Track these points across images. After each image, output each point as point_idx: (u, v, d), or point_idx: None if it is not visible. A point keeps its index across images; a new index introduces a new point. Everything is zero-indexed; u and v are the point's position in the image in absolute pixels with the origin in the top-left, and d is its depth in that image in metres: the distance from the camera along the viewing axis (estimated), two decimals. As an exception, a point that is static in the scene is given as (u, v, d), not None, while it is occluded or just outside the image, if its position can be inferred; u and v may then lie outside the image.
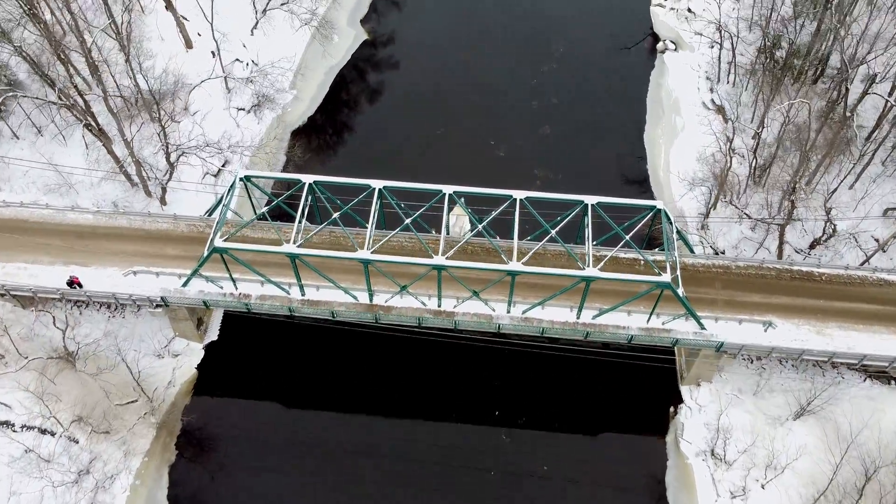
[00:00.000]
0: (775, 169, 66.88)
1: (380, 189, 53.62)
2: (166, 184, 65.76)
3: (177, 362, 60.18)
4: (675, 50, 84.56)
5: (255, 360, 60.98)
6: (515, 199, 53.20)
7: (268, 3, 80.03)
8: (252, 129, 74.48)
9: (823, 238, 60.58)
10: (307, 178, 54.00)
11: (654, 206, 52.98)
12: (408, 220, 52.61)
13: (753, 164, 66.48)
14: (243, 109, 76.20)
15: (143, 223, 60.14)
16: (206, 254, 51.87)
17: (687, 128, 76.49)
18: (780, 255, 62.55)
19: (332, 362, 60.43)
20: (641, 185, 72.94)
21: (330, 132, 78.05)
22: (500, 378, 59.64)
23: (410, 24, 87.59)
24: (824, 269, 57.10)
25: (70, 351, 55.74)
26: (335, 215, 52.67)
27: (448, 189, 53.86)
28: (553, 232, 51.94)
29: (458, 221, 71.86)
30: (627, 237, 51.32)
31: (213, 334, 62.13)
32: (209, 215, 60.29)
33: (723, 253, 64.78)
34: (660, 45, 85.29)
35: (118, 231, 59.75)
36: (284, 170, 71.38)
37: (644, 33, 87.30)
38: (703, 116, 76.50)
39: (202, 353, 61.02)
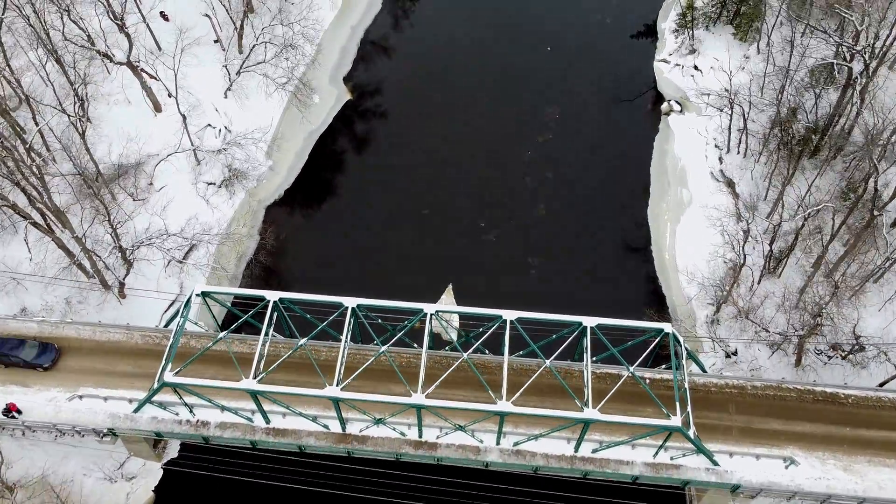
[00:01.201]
0: (795, 252, 61.37)
1: (353, 308, 47.83)
2: (124, 278, 59.92)
3: (131, 486, 54.26)
4: (681, 112, 78.58)
5: (221, 481, 54.92)
6: (506, 321, 47.34)
7: (241, 66, 74.03)
8: (222, 207, 68.53)
9: (848, 354, 54.67)
10: (272, 295, 48.16)
11: (662, 330, 47.13)
12: (383, 348, 46.81)
13: (769, 256, 60.58)
14: (213, 184, 70.27)
15: (92, 333, 54.16)
16: (155, 386, 45.99)
17: (695, 202, 70.63)
18: (798, 362, 56.72)
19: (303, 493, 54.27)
20: (645, 270, 67.05)
21: (308, 209, 72.08)
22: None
23: (397, 82, 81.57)
24: (851, 391, 51.15)
25: (9, 485, 49.83)
26: (302, 341, 46.81)
27: (430, 308, 47.94)
28: (548, 362, 45.96)
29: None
30: (632, 369, 45.40)
31: (172, 452, 56.20)
32: (166, 325, 54.36)
33: (735, 354, 58.99)
34: (664, 107, 79.30)
35: (65, 342, 53.75)
36: (256, 256, 65.22)
37: (647, 92, 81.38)
38: (711, 190, 70.78)
39: (160, 474, 55.08)
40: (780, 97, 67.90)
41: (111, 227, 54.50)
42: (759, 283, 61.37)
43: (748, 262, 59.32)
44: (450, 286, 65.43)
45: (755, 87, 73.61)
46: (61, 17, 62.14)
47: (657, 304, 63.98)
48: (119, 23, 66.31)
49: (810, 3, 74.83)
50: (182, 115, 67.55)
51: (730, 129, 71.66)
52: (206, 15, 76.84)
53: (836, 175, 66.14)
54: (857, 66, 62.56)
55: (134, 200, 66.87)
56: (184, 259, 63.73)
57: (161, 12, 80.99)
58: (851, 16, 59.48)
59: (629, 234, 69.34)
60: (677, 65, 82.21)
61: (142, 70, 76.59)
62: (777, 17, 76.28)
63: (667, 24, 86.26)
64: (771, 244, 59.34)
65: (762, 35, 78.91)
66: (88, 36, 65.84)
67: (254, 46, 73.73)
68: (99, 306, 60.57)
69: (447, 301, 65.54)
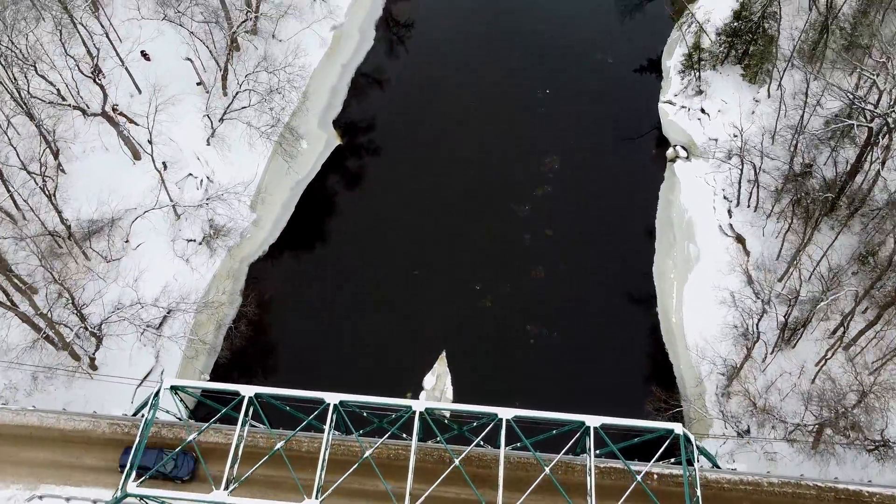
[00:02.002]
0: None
1: (335, 405, 44.03)
2: (94, 353, 56.09)
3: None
4: (687, 158, 74.68)
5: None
6: (501, 420, 43.53)
7: (224, 112, 70.14)
8: (202, 269, 64.65)
9: (874, 450, 50.76)
10: (247, 391, 44.41)
11: (672, 430, 43.30)
12: (367, 453, 42.96)
13: (783, 327, 56.70)
14: (193, 240, 66.48)
15: (57, 421, 50.28)
16: (118, 495, 42.13)
17: (703, 258, 66.87)
18: (815, 445, 52.88)
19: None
20: (650, 335, 63.20)
21: (293, 266, 68.23)
22: None
23: (389, 125, 77.64)
24: (876, 489, 47.30)
25: None
26: (279, 445, 42.98)
27: (419, 406, 44.12)
28: (547, 470, 42.11)
29: (439, 383, 62.38)
30: (639, 478, 41.59)
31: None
32: (136, 412, 50.49)
33: (747, 433, 55.15)
34: (670, 153, 75.41)
35: (28, 432, 49.90)
36: (236, 325, 61.14)
37: (651, 134, 77.46)
38: (720, 246, 66.97)
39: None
40: (794, 150, 64.10)
41: (76, 309, 50.52)
42: (772, 354, 57.61)
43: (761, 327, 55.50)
44: (443, 354, 61.69)
45: (766, 136, 69.90)
46: (25, 75, 58.16)
47: (663, 374, 60.26)
48: (91, 76, 62.48)
49: (823, 49, 71.09)
50: (158, 169, 63.73)
51: (740, 181, 67.75)
52: (188, 59, 72.93)
53: (854, 237, 62.28)
54: (877, 123, 58.73)
55: (107, 261, 63.05)
56: (159, 327, 59.91)
57: (142, 51, 77.22)
58: (875, 75, 55.58)
59: (633, 295, 65.44)
60: (683, 107, 78.29)
61: (120, 114, 73.06)
62: (789, 61, 72.36)
63: (672, 62, 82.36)
64: (787, 316, 55.46)
65: (772, 78, 75.11)
66: (58, 91, 62.04)
67: (237, 93, 69.82)
68: (68, 380, 56.74)
69: (440, 370, 61.78)
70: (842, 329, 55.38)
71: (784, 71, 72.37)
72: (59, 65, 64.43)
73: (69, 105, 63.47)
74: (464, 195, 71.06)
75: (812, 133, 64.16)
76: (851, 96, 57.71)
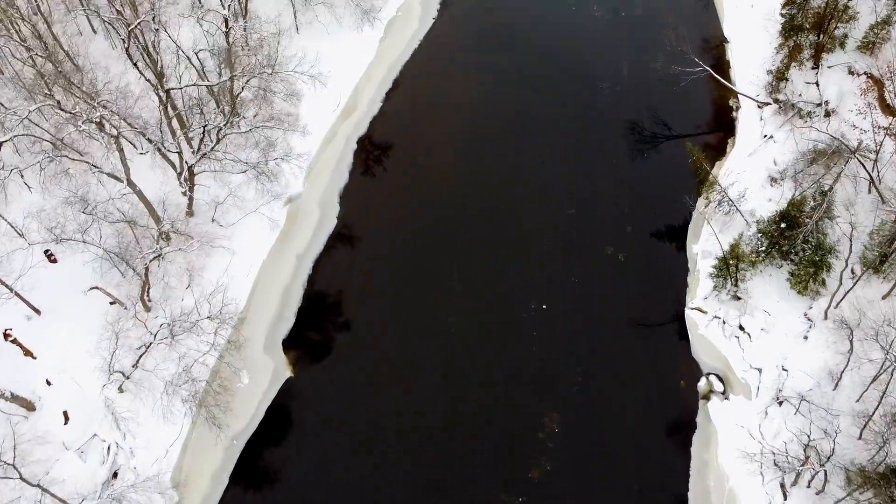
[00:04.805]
0: None
1: None
2: None
3: None
4: (724, 394, 59.87)
5: None
6: None
7: (138, 359, 55.09)
8: None
9: None
10: None
11: None
12: None
13: None
14: (95, 544, 51.41)
15: None
16: None
17: (751, 554, 52.18)
18: None
19: None
20: None
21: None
22: None
23: (357, 341, 62.70)
24: None
25: None
26: None
27: None
28: None
29: None
30: None
31: None
32: None
33: None
34: (702, 385, 60.56)
35: None
36: None
37: (678, 355, 62.41)
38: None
39: None
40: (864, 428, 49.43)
41: None
42: None
43: None
44: None
45: (825, 380, 55.41)
46: None
47: None
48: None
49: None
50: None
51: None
52: (96, 287, 57.95)
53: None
54: None
55: None
56: None
57: (46, 251, 62.53)
58: None
59: None
60: (716, 317, 63.36)
61: (13, 342, 58.63)
62: (846, 267, 57.83)
63: (699, 248, 67.61)
64: None
65: (826, 287, 60.58)
66: None
67: (150, 344, 54.80)
68: None
69: None
70: None
71: (841, 283, 57.67)
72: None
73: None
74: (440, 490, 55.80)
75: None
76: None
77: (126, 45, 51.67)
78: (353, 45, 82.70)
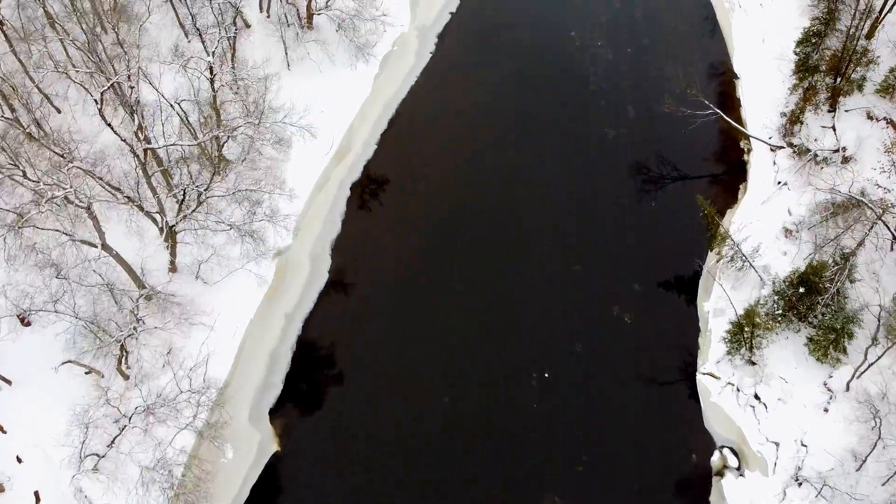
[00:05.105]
0: None
1: None
2: None
3: None
4: (739, 469, 56.22)
5: None
6: None
7: (113, 439, 51.49)
8: None
9: None
10: None
11: None
12: None
13: None
14: None
15: None
16: None
17: None
18: None
19: None
20: None
21: None
22: None
23: (342, 406, 59.08)
24: None
25: None
26: None
27: None
28: None
29: None
30: None
31: None
32: None
33: None
34: (715, 460, 56.90)
35: None
36: None
37: (688, 425, 58.73)
38: None
39: None
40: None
41: None
42: None
43: None
44: None
45: (849, 461, 51.83)
46: None
47: None
48: None
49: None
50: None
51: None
52: (69, 361, 54.32)
53: None
54: None
55: None
56: None
57: (20, 316, 58.96)
58: None
59: None
60: (730, 384, 59.77)
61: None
62: (873, 338, 54.30)
63: (710, 306, 64.00)
64: None
65: (848, 355, 57.01)
66: None
67: (131, 417, 51.25)
68: None
69: None
70: None
71: (866, 358, 54.10)
72: None
73: None
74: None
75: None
76: None
77: (99, 108, 48.05)
78: (346, 82, 79.14)
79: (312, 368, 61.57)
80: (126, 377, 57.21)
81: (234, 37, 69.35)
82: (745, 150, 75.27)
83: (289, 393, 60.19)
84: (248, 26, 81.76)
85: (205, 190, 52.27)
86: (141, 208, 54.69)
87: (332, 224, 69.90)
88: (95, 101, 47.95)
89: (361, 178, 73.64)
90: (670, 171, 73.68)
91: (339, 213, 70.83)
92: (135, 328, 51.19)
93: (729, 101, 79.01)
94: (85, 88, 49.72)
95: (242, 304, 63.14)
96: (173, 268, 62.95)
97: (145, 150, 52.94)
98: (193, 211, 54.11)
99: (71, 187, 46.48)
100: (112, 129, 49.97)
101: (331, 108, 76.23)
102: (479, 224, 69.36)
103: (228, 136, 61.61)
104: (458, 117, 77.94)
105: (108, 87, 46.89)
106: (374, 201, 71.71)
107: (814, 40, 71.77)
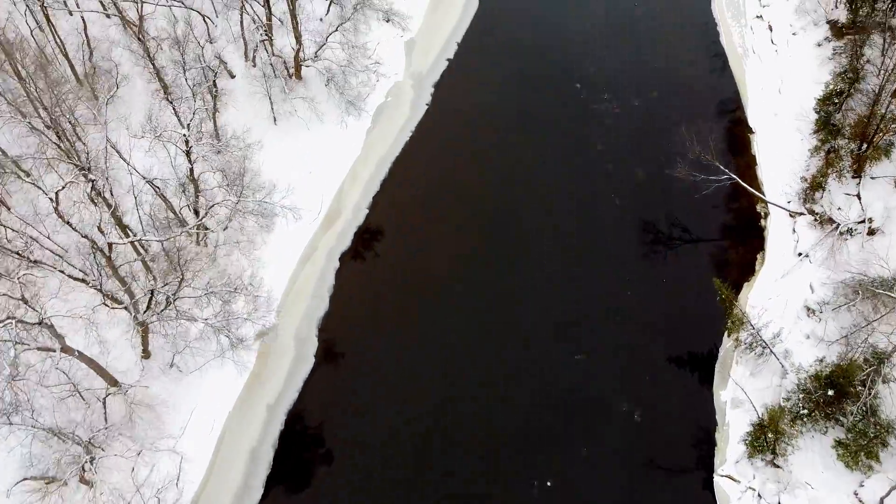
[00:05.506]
0: None
1: None
2: None
3: None
4: (762, 591, 51.38)
5: None
6: None
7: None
8: None
9: None
10: None
11: None
12: None
13: None
14: None
15: None
16: None
17: None
18: None
19: None
20: None
21: None
22: None
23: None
24: None
25: None
26: None
27: None
28: None
29: None
30: None
31: None
32: None
33: None
34: (735, 577, 52.12)
35: None
36: None
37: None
38: None
39: None
40: None
41: None
42: None
43: None
44: None
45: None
46: None
47: None
48: None
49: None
50: None
51: None
52: (26, 479, 49.53)
53: None
54: None
55: None
56: None
57: None
58: None
59: None
60: (750, 488, 54.76)
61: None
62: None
63: (727, 394, 59.09)
64: None
65: (881, 462, 52.09)
66: None
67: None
68: None
69: None
70: None
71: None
72: None
73: None
74: None
75: None
76: None
77: (55, 206, 43.23)
78: (336, 139, 74.32)
79: (296, 469, 56.68)
80: (91, 485, 52.46)
81: (215, 98, 64.45)
82: (762, 213, 70.37)
83: (270, 499, 55.29)
84: (231, 76, 77.09)
85: (172, 295, 47.44)
86: (107, 304, 49.86)
87: (319, 300, 65.07)
88: (51, 199, 43.08)
89: (352, 247, 68.86)
90: (682, 233, 68.97)
91: (328, 287, 66.01)
92: (85, 461, 46.27)
93: (744, 158, 74.23)
94: (38, 187, 44.61)
95: (221, 395, 58.34)
96: (146, 354, 58.21)
97: (109, 245, 48.03)
98: (163, 310, 49.27)
99: (22, 299, 41.65)
100: (72, 227, 45.11)
101: (319, 169, 71.57)
102: (483, 282, 64.60)
103: (207, 212, 56.74)
104: (455, 178, 73.21)
105: (64, 187, 42.05)
106: (364, 276, 66.84)
107: (836, 100, 66.88)
